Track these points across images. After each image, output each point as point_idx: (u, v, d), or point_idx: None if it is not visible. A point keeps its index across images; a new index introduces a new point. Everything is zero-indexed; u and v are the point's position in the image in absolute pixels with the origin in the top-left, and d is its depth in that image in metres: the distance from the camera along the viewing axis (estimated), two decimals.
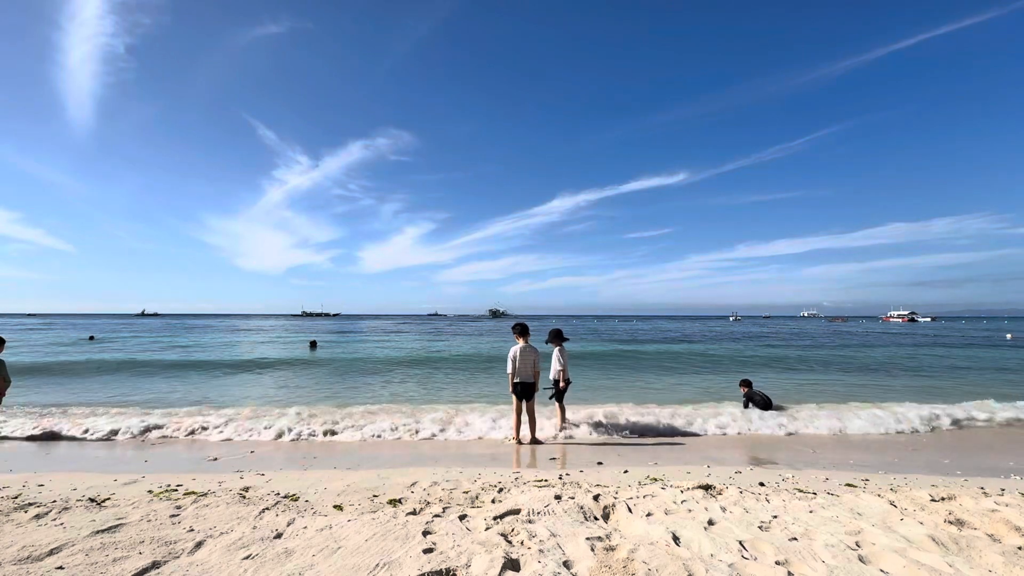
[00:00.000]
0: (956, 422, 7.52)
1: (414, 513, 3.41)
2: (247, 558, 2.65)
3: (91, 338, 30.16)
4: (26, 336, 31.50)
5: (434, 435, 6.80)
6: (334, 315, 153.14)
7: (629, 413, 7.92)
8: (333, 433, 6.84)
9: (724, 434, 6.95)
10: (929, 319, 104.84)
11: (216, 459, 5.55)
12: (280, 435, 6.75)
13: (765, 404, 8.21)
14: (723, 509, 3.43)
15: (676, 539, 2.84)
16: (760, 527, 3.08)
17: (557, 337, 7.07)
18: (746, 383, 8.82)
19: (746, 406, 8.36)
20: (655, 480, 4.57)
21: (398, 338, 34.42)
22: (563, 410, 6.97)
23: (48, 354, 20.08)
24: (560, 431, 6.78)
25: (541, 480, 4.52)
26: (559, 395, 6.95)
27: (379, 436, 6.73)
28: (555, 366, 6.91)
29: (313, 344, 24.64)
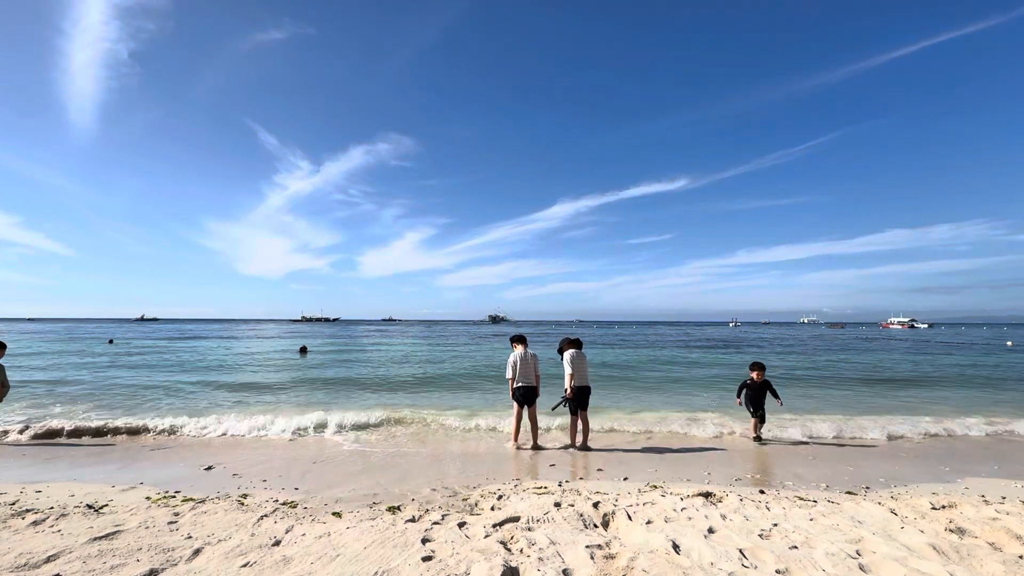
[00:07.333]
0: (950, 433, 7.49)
1: (413, 520, 3.40)
2: (245, 565, 2.64)
3: (110, 342, 30.60)
4: (49, 343, 30.90)
5: (432, 440, 6.79)
6: (333, 320, 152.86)
7: (628, 419, 7.90)
8: (327, 432, 6.83)
9: (722, 438, 6.92)
10: (926, 326, 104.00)
11: (211, 467, 5.48)
12: (279, 440, 6.74)
13: (757, 404, 6.96)
14: (723, 517, 3.42)
15: (676, 547, 2.83)
16: (760, 535, 3.07)
17: (571, 344, 6.63)
18: (758, 366, 7.19)
19: (740, 392, 7.11)
20: (655, 487, 4.56)
21: (387, 341, 34.54)
22: (580, 422, 6.44)
23: (88, 358, 20.01)
24: (576, 443, 6.40)
25: (540, 487, 4.50)
26: (571, 405, 6.36)
27: (376, 441, 6.71)
28: (567, 370, 6.40)
29: (303, 350, 24.69)
